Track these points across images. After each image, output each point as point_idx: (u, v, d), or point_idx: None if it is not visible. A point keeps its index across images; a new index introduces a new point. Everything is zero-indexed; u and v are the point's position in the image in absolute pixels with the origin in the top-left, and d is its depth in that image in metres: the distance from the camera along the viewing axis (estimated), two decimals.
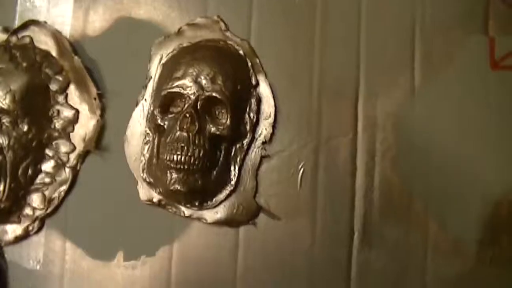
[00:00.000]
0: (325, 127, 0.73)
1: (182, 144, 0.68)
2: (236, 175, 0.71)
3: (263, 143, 0.72)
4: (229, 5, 0.75)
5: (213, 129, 0.69)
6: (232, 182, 0.71)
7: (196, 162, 0.68)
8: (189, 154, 0.68)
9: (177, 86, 0.69)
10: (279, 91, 0.73)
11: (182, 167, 0.68)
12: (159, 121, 0.70)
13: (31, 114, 0.73)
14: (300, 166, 0.72)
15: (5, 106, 0.72)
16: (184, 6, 0.76)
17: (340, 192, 0.72)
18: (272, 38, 0.74)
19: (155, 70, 0.74)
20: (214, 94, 0.69)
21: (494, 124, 0.73)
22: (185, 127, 0.68)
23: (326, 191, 0.72)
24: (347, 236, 0.71)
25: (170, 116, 0.70)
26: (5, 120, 0.72)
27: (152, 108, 0.72)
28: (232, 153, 0.71)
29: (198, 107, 0.69)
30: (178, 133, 0.68)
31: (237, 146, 0.71)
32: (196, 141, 0.68)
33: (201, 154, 0.68)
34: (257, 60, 0.73)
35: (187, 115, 0.68)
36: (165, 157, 0.68)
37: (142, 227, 0.73)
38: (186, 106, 0.69)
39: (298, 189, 0.72)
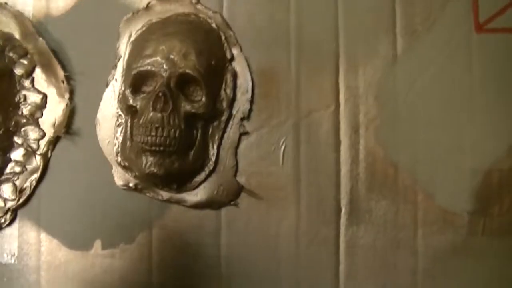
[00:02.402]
0: (305, 101, 0.70)
1: (157, 125, 0.64)
2: (215, 154, 0.68)
3: (242, 119, 0.69)
4: None
5: (188, 108, 0.66)
6: (211, 162, 0.68)
7: (172, 143, 0.65)
8: (164, 135, 0.64)
9: (147, 64, 0.66)
10: (256, 65, 0.70)
11: (157, 149, 0.65)
12: (130, 101, 0.67)
13: None
14: (281, 142, 0.69)
15: None
16: None
17: (324, 167, 0.69)
18: (245, 10, 0.71)
19: (124, 48, 0.70)
20: (187, 70, 0.65)
21: (479, 89, 0.70)
22: (158, 107, 0.64)
23: (310, 167, 0.69)
24: (334, 212, 0.69)
25: (142, 96, 0.66)
26: None
27: (123, 89, 0.68)
28: (210, 132, 0.68)
29: (171, 85, 0.65)
30: (151, 113, 0.65)
31: (214, 124, 0.68)
32: (171, 121, 0.65)
33: (176, 135, 0.65)
34: (231, 33, 0.70)
35: (160, 94, 0.65)
36: (139, 140, 0.65)
37: (119, 214, 0.70)
38: (158, 84, 0.65)
39: (281, 166, 0.69)
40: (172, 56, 0.65)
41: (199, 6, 0.70)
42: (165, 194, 0.68)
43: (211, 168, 0.68)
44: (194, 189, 0.68)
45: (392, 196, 0.69)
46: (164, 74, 0.65)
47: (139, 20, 0.70)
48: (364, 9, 0.71)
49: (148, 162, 0.65)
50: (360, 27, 0.71)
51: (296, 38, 0.70)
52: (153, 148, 0.65)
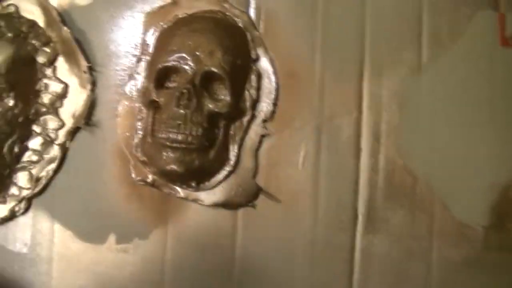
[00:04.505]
0: (328, 106, 0.69)
1: (179, 122, 0.64)
2: (236, 154, 0.68)
3: (264, 121, 0.69)
4: None
5: (211, 106, 0.65)
6: (231, 162, 0.68)
7: (194, 141, 0.64)
8: (186, 132, 0.64)
9: (173, 60, 0.65)
10: (280, 67, 0.69)
11: (178, 146, 0.64)
12: (153, 96, 0.66)
13: (17, 88, 0.68)
14: (302, 146, 0.69)
15: None
16: None
17: (344, 174, 0.69)
18: (272, 11, 0.70)
19: (148, 42, 0.69)
20: (212, 68, 0.65)
21: (501, 103, 0.70)
22: (182, 103, 0.64)
23: (329, 172, 0.69)
24: (351, 220, 0.68)
25: (165, 91, 0.66)
26: None
27: (146, 83, 0.68)
28: (231, 131, 0.68)
29: (196, 82, 0.65)
30: (174, 109, 0.64)
31: (236, 124, 0.68)
32: (194, 119, 0.64)
33: (199, 133, 0.64)
34: (257, 33, 0.69)
35: (184, 90, 0.64)
36: (160, 135, 0.65)
37: (134, 209, 0.69)
38: (183, 81, 0.65)
39: (300, 169, 0.69)
40: (198, 53, 0.65)
41: (226, 5, 0.69)
42: (182, 192, 0.68)
43: (231, 168, 0.68)
44: (212, 188, 0.68)
45: (409, 206, 0.69)
46: (189, 71, 0.65)
47: (165, 14, 0.70)
48: (391, 17, 0.71)
49: (169, 158, 0.65)
50: (387, 35, 0.70)
51: (322, 42, 0.70)
52: (175, 144, 0.64)
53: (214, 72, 0.65)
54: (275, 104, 0.69)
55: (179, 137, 0.64)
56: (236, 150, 0.68)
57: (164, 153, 0.65)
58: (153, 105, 0.67)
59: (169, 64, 0.65)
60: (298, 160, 0.69)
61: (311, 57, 0.70)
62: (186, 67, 0.65)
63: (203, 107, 0.65)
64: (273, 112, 0.69)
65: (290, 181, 0.69)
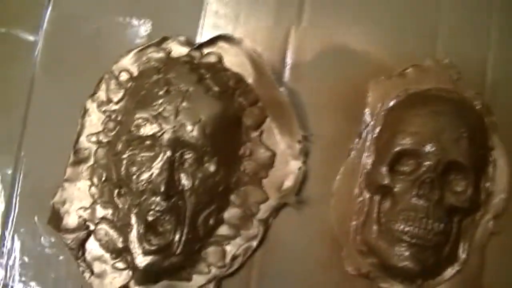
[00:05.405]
0: None
1: (422, 215, 0.57)
2: (466, 252, 0.61)
3: (494, 217, 0.62)
4: (463, 47, 0.64)
5: (452, 200, 0.59)
6: (460, 261, 0.61)
7: (434, 238, 0.58)
8: (428, 227, 0.57)
9: (414, 143, 0.58)
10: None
11: (418, 242, 0.58)
12: (386, 181, 0.59)
13: (221, 152, 0.60)
14: None
15: (192, 140, 0.58)
16: (411, 44, 0.64)
17: None
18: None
19: (374, 116, 0.62)
20: (458, 159, 0.58)
21: None
22: (424, 193, 0.57)
23: None
24: None
25: (401, 177, 0.59)
26: (189, 156, 0.59)
27: (373, 163, 0.61)
28: (463, 227, 0.61)
29: (438, 171, 0.58)
30: (414, 200, 0.57)
31: (469, 219, 0.61)
32: (436, 213, 0.57)
33: (440, 229, 0.58)
34: (493, 119, 0.63)
35: (428, 180, 0.58)
36: (396, 227, 0.58)
37: None
38: (424, 168, 0.58)
39: None
40: (442, 139, 0.58)
41: (460, 83, 0.63)
42: None
43: (459, 267, 0.61)
44: (435, 287, 0.61)
45: None
46: (431, 157, 0.58)
47: (392, 87, 0.63)
48: None
49: (403, 254, 0.58)
50: None
51: None
52: (414, 240, 0.57)
53: (459, 163, 0.58)
54: (507, 200, 0.62)
55: (421, 233, 0.57)
56: (466, 248, 0.61)
57: (397, 248, 0.58)
58: (382, 190, 0.60)
59: (410, 147, 0.58)
60: None
61: None
62: (428, 153, 0.58)
63: (444, 200, 0.58)
64: (504, 210, 0.62)
65: None
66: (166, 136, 0.58)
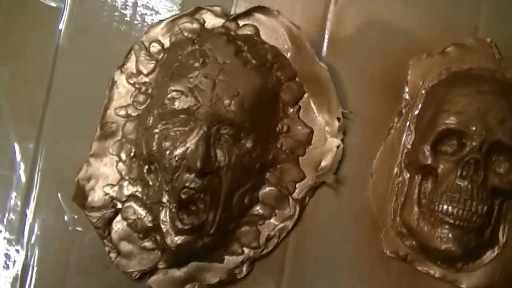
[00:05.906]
0: None
1: (466, 197, 0.56)
2: (506, 236, 0.60)
3: None
4: (507, 24, 0.62)
5: (496, 181, 0.57)
6: (500, 244, 0.59)
7: (476, 220, 0.56)
8: (472, 209, 0.56)
9: (459, 123, 0.57)
10: None
11: (460, 223, 0.56)
12: (429, 161, 0.57)
13: (258, 128, 0.57)
14: None
15: (230, 115, 0.55)
16: (451, 22, 0.62)
17: None
18: None
19: (415, 94, 0.60)
20: (503, 139, 0.56)
21: None
22: (467, 175, 0.56)
23: None
24: None
25: (445, 157, 0.57)
26: (226, 131, 0.56)
27: (415, 142, 0.59)
28: (503, 210, 0.60)
29: (482, 152, 0.56)
30: (458, 181, 0.56)
31: (509, 202, 0.60)
32: (479, 195, 0.56)
33: (484, 211, 0.56)
34: None
35: (472, 160, 0.56)
36: (438, 209, 0.56)
37: (377, 284, 0.59)
38: (468, 149, 0.56)
39: None
40: (487, 120, 0.56)
41: (502, 63, 0.61)
42: (440, 272, 0.59)
43: (499, 250, 0.59)
44: (475, 270, 0.59)
45: None
46: (475, 138, 0.56)
47: (433, 65, 0.61)
48: None
49: (445, 236, 0.56)
50: None
51: None
52: (457, 222, 0.56)
53: (504, 143, 0.57)
54: None
55: (464, 214, 0.56)
56: (506, 231, 0.60)
57: (439, 229, 0.56)
58: (424, 170, 0.58)
59: (455, 127, 0.57)
60: None
61: None
62: (473, 132, 0.56)
63: (488, 182, 0.57)
64: None
65: None
66: (203, 110, 0.55)
